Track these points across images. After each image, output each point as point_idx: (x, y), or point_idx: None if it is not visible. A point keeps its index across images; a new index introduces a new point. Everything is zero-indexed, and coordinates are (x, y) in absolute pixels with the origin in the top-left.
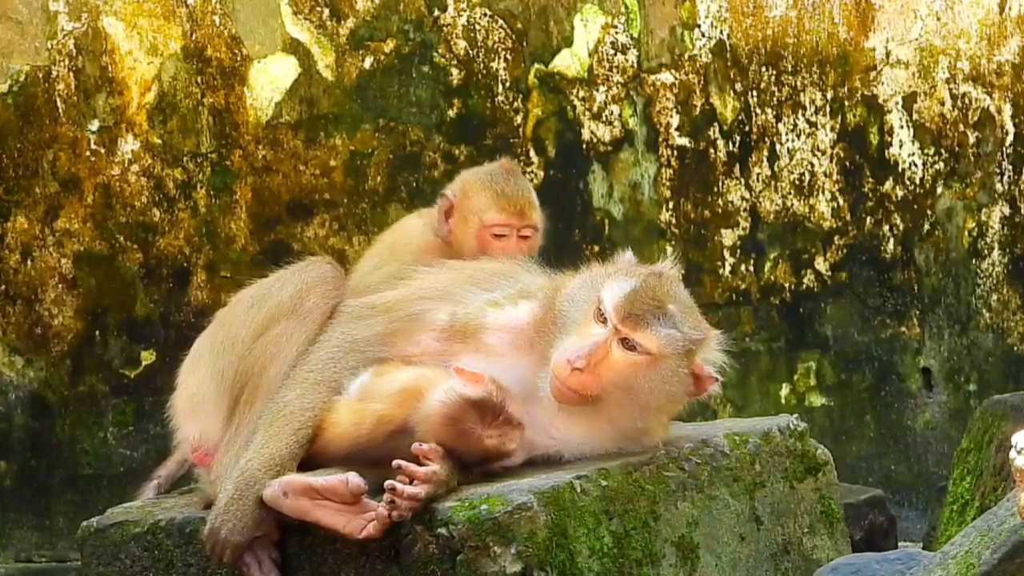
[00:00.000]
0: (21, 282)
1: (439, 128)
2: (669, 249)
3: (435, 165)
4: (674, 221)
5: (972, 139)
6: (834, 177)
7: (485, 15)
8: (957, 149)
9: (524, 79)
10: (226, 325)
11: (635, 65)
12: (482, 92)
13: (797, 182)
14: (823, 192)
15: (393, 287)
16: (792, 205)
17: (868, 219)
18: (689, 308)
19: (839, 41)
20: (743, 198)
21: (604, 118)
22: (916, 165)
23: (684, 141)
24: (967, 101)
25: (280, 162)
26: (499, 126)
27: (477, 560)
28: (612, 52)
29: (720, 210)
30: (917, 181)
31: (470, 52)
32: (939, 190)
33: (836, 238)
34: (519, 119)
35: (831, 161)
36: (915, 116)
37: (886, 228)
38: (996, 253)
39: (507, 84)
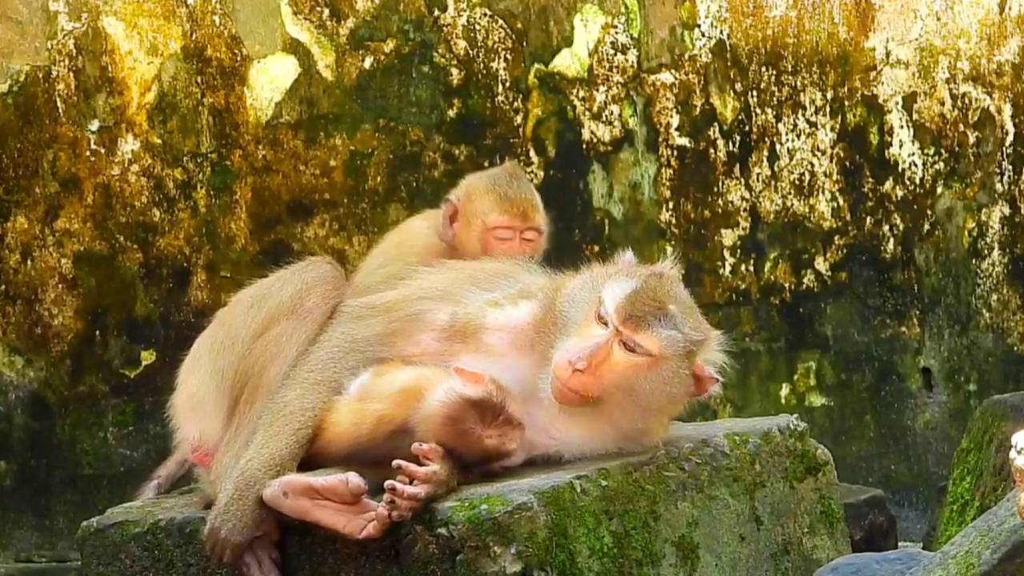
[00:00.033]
0: (21, 282)
1: (439, 128)
2: (669, 249)
3: (435, 165)
4: (674, 221)
5: (972, 139)
6: (834, 177)
7: (485, 15)
8: (957, 149)
9: (524, 79)
10: (226, 325)
11: (635, 65)
12: (482, 92)
13: (797, 182)
14: (823, 192)
15: (393, 287)
16: (792, 205)
17: (868, 219)
18: (690, 309)
19: (839, 41)
20: (743, 198)
21: (604, 118)
22: (916, 165)
23: (684, 141)
24: (967, 101)
25: (280, 162)
26: (499, 126)
27: (477, 560)
28: (612, 52)
29: (720, 210)
30: (917, 181)
31: (470, 52)
32: (939, 190)
33: (836, 238)
34: (519, 119)
35: (831, 161)
36: (915, 116)
37: (886, 228)
38: (996, 253)
39: (507, 84)
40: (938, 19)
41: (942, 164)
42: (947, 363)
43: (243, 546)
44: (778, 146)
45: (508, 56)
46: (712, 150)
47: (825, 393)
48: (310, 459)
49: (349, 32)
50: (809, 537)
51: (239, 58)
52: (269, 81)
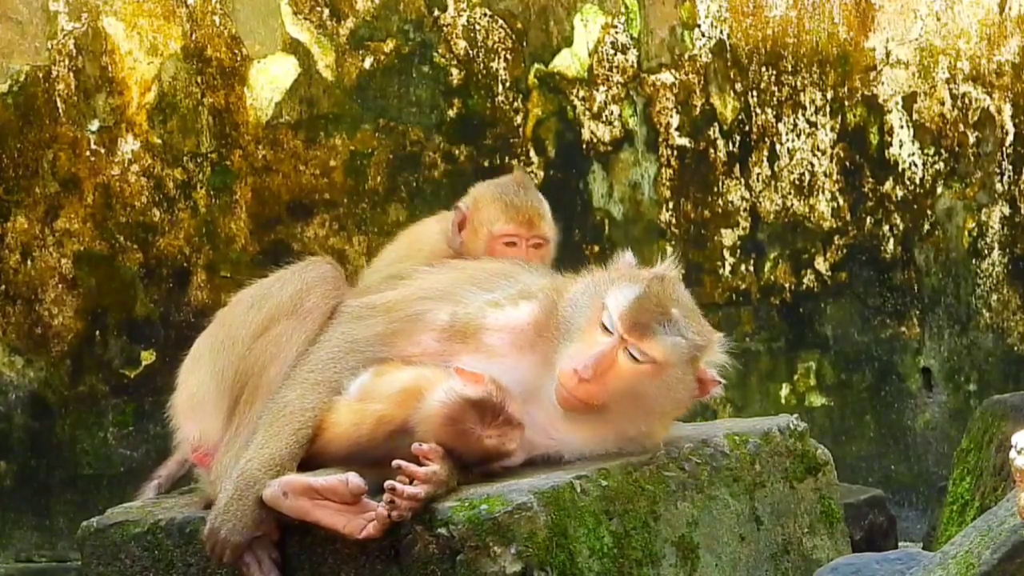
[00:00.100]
0: (21, 282)
1: (439, 128)
2: (669, 249)
3: (435, 165)
4: (674, 221)
5: (972, 139)
6: (834, 177)
7: (485, 15)
8: (957, 149)
9: (524, 79)
10: (226, 325)
11: (635, 65)
12: (482, 92)
13: (797, 182)
14: (823, 192)
15: (393, 287)
16: (792, 205)
17: (868, 219)
18: (692, 312)
19: (839, 41)
20: (743, 198)
21: (604, 118)
22: (916, 165)
23: (684, 141)
24: (967, 101)
25: (280, 162)
26: (499, 126)
27: (477, 560)
28: (612, 52)
29: (720, 210)
30: (917, 181)
31: (470, 52)
32: (939, 190)
33: (836, 238)
34: (519, 119)
35: (831, 161)
36: (915, 116)
37: (886, 228)
38: (996, 253)
39: (507, 84)
40: (938, 19)
41: (942, 164)
42: (947, 363)
43: (243, 546)
44: (778, 146)
45: (508, 56)
46: (712, 150)
47: (825, 393)
48: (310, 459)
49: (349, 32)
50: (809, 537)
51: (239, 58)
52: (269, 81)
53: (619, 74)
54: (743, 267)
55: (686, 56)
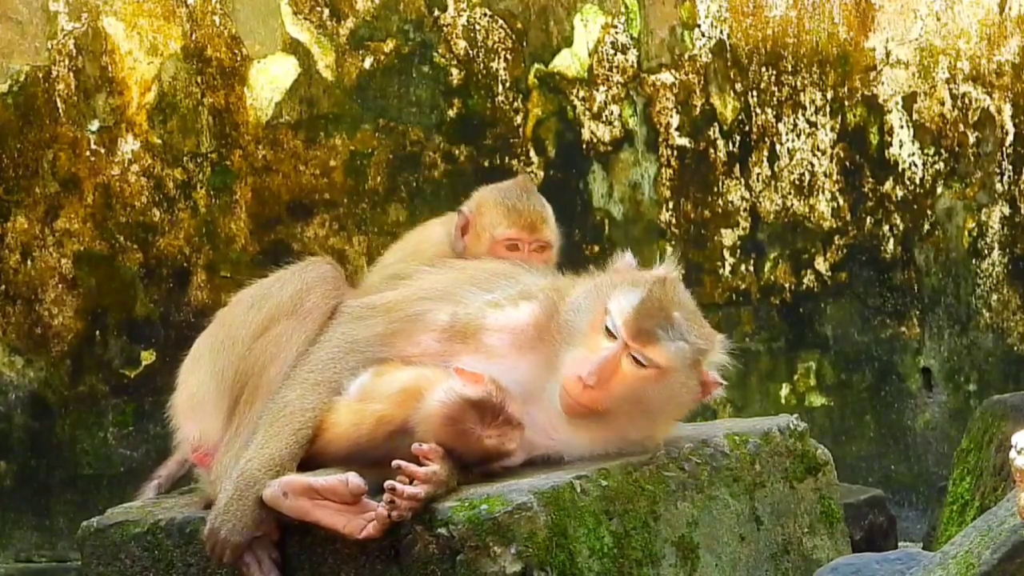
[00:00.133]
0: (21, 282)
1: (439, 128)
2: (669, 249)
3: (435, 165)
4: (674, 221)
5: (972, 139)
6: (834, 177)
7: (485, 15)
8: (957, 149)
9: (524, 79)
10: (226, 325)
11: (635, 65)
12: (482, 92)
13: (797, 182)
14: (823, 192)
15: (394, 287)
16: (792, 205)
17: (868, 219)
18: (694, 314)
19: (839, 41)
20: (743, 198)
21: (604, 118)
22: (916, 165)
23: (684, 141)
24: (967, 101)
25: (280, 162)
26: (499, 126)
27: (477, 560)
28: (612, 52)
29: (720, 210)
30: (917, 181)
31: (470, 52)
32: (939, 190)
33: (836, 238)
34: (519, 119)
35: (831, 161)
36: (915, 116)
37: (886, 228)
38: (996, 253)
39: (507, 84)
40: (938, 19)
41: (942, 164)
42: (947, 363)
43: (243, 546)
44: (778, 146)
45: (508, 56)
46: (712, 150)
47: (825, 393)
48: (310, 459)
49: (349, 32)
50: (809, 537)
51: (239, 58)
52: (269, 81)
53: (619, 74)
54: (743, 267)
55: (686, 56)
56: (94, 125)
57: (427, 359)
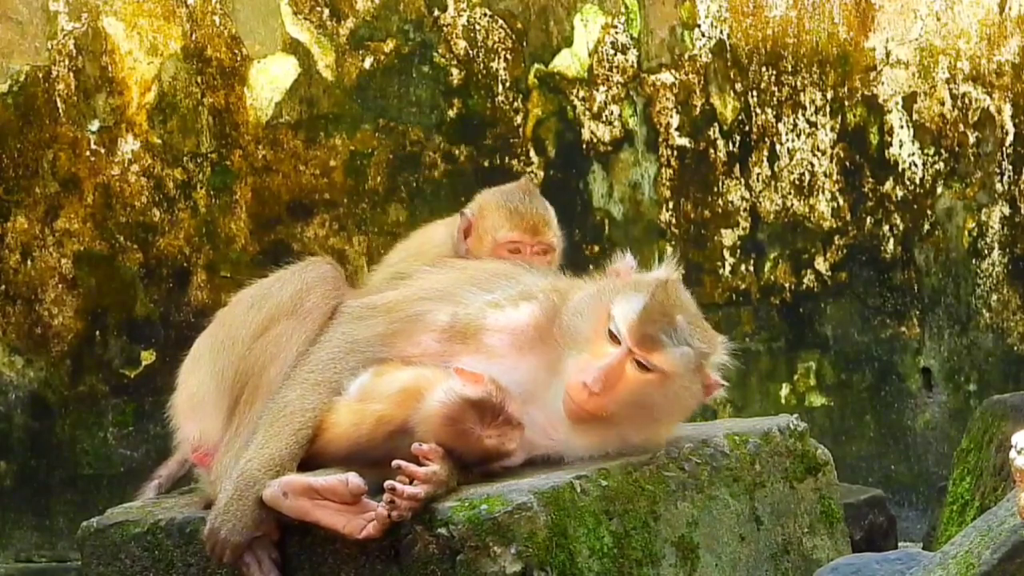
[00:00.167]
0: (21, 282)
1: (439, 128)
2: (669, 249)
3: (435, 165)
4: (674, 221)
5: (972, 139)
6: (834, 177)
7: (485, 15)
8: (957, 149)
9: (524, 79)
10: (226, 325)
11: (635, 65)
12: (482, 92)
13: (797, 182)
14: (823, 192)
15: (394, 287)
16: (792, 205)
17: (868, 219)
18: (696, 317)
19: (839, 41)
20: (743, 198)
21: (604, 118)
22: (916, 165)
23: (684, 141)
24: (967, 101)
25: (280, 162)
26: (499, 126)
27: (477, 560)
28: (612, 52)
29: (720, 210)
30: (917, 181)
31: (470, 52)
32: (939, 190)
33: (836, 238)
34: (519, 119)
35: (831, 161)
36: (915, 116)
37: (886, 228)
38: (996, 253)
39: (507, 84)
40: (938, 19)
41: (942, 164)
42: (947, 363)
43: (243, 546)
44: (778, 146)
45: (508, 56)
46: (712, 150)
47: (825, 393)
48: (310, 459)
49: (349, 32)
50: (809, 537)
51: (239, 58)
52: (269, 81)
53: (619, 74)
54: (743, 267)
55: (686, 56)
56: (94, 125)
57: (427, 359)
